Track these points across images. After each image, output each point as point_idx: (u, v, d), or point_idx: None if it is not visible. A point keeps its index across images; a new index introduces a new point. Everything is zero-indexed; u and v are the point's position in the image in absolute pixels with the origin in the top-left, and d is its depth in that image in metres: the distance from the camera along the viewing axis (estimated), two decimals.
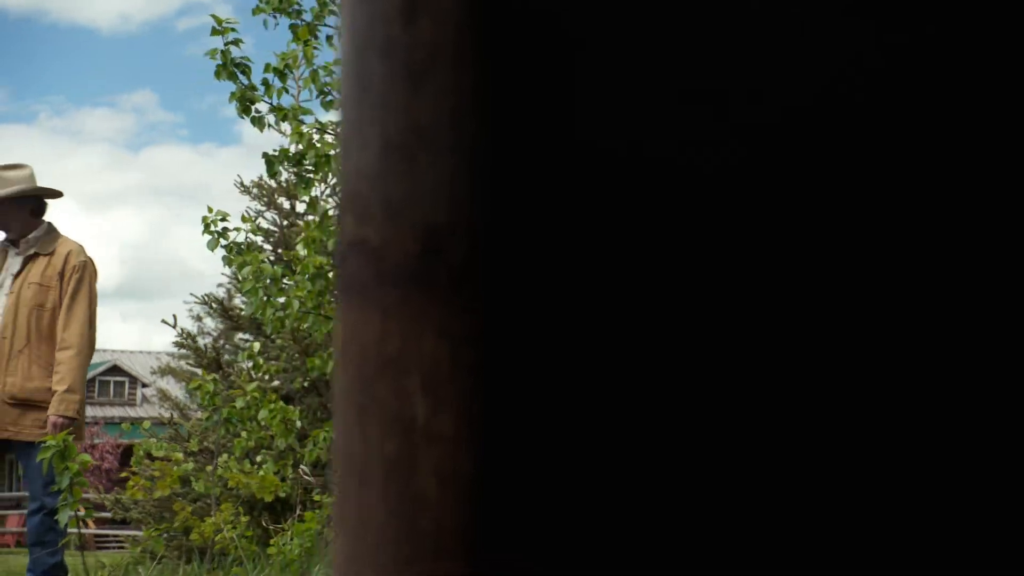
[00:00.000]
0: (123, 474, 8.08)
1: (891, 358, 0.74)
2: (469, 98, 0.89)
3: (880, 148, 0.74)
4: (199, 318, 32.45)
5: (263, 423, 6.48)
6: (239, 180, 10.23)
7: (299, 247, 7.57)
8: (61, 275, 5.96)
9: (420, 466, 0.86)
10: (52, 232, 6.15)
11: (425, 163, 0.88)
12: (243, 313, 9.80)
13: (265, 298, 6.20)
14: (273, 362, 7.81)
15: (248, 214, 8.55)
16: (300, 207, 10.18)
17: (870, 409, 0.75)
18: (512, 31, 0.89)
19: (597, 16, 0.87)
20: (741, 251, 0.81)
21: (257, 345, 8.74)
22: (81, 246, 6.14)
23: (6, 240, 6.10)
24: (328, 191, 8.37)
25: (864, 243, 0.76)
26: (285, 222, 9.90)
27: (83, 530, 4.46)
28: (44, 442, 5.77)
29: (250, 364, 7.80)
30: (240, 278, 6.88)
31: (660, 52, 0.81)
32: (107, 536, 25.16)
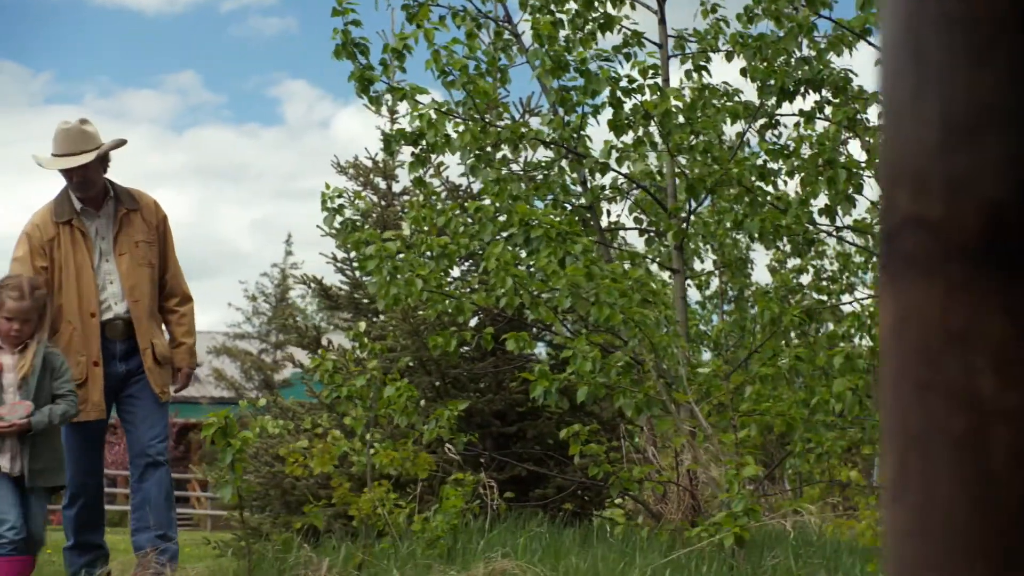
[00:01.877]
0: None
1: None
2: None
3: None
4: (254, 298, 32.56)
5: (369, 402, 6.52)
6: (335, 160, 10.24)
7: (404, 226, 7.60)
8: (156, 228, 5.76)
9: (991, 444, 0.86)
10: (122, 187, 5.78)
11: (990, 139, 0.87)
12: (342, 293, 9.87)
13: (388, 277, 6.22)
14: (378, 341, 7.83)
15: (353, 192, 8.58)
16: (396, 187, 10.23)
17: None
18: None
19: None
20: None
21: (363, 324, 8.79)
22: (153, 196, 5.88)
23: (82, 208, 5.60)
24: (431, 171, 8.38)
25: None
26: (382, 202, 9.93)
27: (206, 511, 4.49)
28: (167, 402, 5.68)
29: (355, 343, 7.84)
30: (357, 256, 6.94)
31: None
32: None
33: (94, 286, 5.57)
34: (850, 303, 7.89)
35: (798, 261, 10.99)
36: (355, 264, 9.77)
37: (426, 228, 7.26)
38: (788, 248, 10.65)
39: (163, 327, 5.76)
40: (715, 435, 4.79)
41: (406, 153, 10.25)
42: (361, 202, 7.08)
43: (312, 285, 9.89)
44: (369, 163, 10.29)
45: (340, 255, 9.82)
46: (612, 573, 3.92)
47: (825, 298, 8.65)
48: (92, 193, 5.64)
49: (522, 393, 8.05)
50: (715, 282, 12.15)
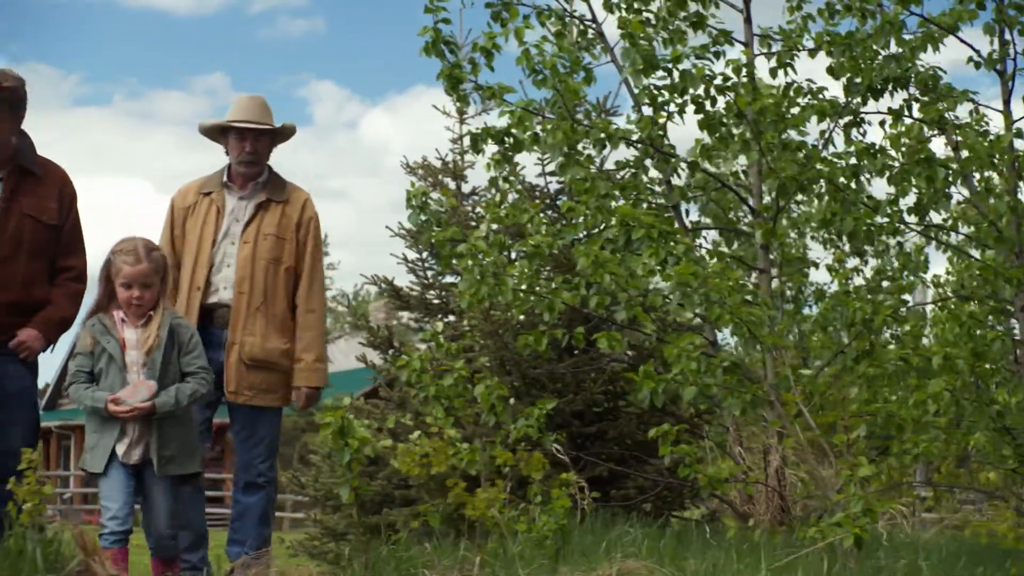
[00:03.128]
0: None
1: None
2: None
3: None
4: None
5: (446, 401, 6.51)
6: (404, 160, 10.28)
7: (482, 226, 7.60)
8: (298, 226, 5.49)
9: None
10: (279, 176, 5.62)
11: None
12: (413, 293, 9.89)
13: (479, 276, 6.21)
14: (452, 341, 7.83)
15: (441, 192, 8.59)
16: (466, 188, 10.25)
17: None
18: None
19: None
20: None
21: (440, 324, 8.80)
22: (309, 193, 5.64)
23: (226, 181, 5.53)
24: (506, 171, 8.36)
25: None
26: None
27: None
28: (271, 408, 5.45)
29: (431, 344, 7.85)
30: (441, 254, 6.96)
31: None
32: None
33: (208, 262, 5.40)
34: (938, 303, 7.81)
35: (857, 260, 10.92)
36: (427, 264, 9.83)
37: (496, 227, 7.28)
38: (847, 248, 10.51)
39: (288, 332, 5.49)
40: (821, 436, 4.76)
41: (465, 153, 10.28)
42: (443, 202, 7.06)
43: (383, 285, 9.91)
44: (439, 163, 10.33)
45: (411, 255, 9.86)
46: (741, 574, 3.91)
47: (908, 298, 8.59)
48: (255, 170, 5.52)
49: (602, 393, 8.04)
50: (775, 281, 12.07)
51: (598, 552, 4.26)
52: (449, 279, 9.88)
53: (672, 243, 5.12)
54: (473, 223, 9.37)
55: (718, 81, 6.12)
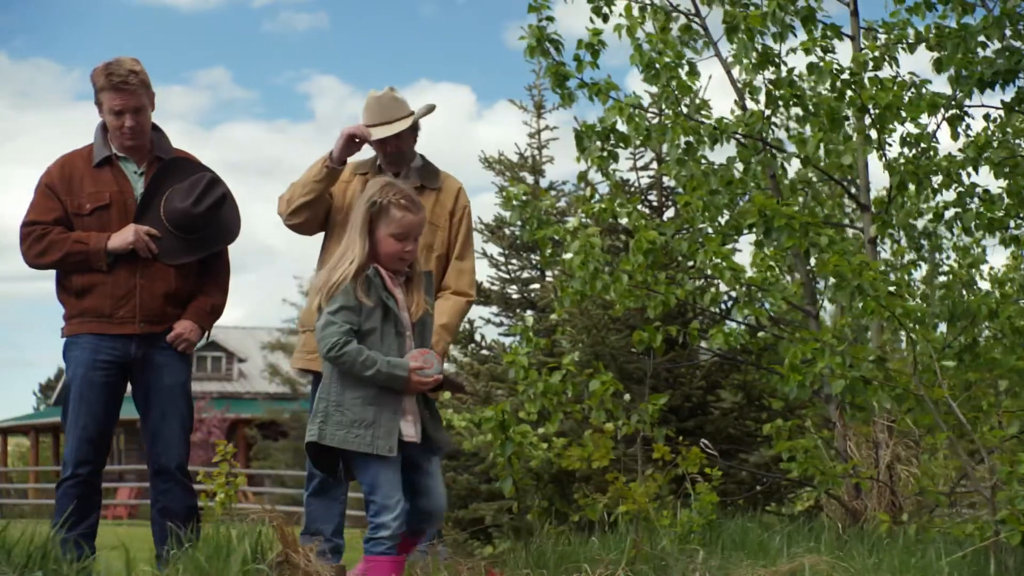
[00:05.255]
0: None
1: None
2: None
3: None
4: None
5: (548, 395, 6.49)
6: (482, 154, 10.29)
7: (573, 221, 7.58)
8: (451, 214, 5.37)
9: None
10: (431, 163, 5.46)
11: None
12: (494, 288, 9.89)
13: (593, 272, 6.20)
14: (542, 337, 7.81)
15: (540, 191, 8.57)
16: (543, 182, 10.25)
17: None
18: None
19: None
20: None
21: (530, 319, 8.77)
22: (462, 183, 5.46)
23: (380, 164, 5.38)
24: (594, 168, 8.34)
25: None
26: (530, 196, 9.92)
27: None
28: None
29: (519, 339, 7.83)
30: (542, 250, 6.96)
31: None
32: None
33: None
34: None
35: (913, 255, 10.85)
36: (508, 259, 9.83)
37: (588, 220, 7.26)
38: (904, 242, 10.39)
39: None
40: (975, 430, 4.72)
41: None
42: (547, 200, 7.04)
43: None
44: (516, 158, 10.34)
45: (492, 251, 9.87)
46: (917, 571, 3.90)
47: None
48: (402, 166, 5.38)
49: (700, 389, 8.02)
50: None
51: (765, 548, 4.24)
52: (527, 274, 9.91)
53: (814, 235, 5.09)
54: (553, 217, 9.38)
55: (846, 75, 6.07)
